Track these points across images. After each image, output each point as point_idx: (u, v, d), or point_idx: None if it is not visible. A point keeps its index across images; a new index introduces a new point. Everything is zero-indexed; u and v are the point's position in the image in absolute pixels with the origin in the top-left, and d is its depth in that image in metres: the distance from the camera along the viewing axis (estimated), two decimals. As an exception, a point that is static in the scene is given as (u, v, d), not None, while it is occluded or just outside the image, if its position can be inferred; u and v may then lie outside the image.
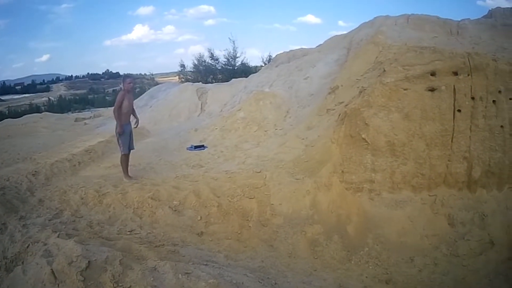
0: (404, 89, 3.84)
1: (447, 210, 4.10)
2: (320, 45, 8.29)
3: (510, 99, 4.37)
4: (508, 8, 7.22)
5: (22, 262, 3.29)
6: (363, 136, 3.80)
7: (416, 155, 3.88)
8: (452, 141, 4.02)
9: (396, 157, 3.84)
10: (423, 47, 4.07)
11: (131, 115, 4.76)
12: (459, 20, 5.92)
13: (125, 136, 4.51)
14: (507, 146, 4.32)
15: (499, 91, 4.29)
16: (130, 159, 4.58)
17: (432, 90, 3.95)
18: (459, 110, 4.06)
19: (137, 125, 4.85)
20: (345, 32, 8.43)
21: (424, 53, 3.97)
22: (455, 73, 4.09)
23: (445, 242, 4.14)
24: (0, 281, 3.08)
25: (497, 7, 7.38)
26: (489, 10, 7.50)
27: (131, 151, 4.63)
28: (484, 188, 4.31)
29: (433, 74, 3.97)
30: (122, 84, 4.70)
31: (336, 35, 8.55)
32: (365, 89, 3.95)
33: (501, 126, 4.28)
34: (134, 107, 4.86)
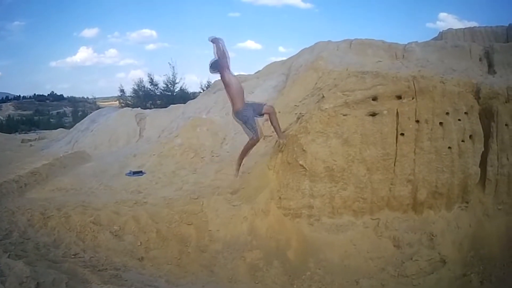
0: (344, 115, 3.92)
1: (392, 232, 4.16)
2: (259, 71, 8.32)
3: (459, 120, 4.37)
4: (460, 29, 7.28)
5: (-23, 281, 3.40)
6: (300, 162, 3.88)
7: (357, 180, 3.93)
8: (395, 164, 4.10)
9: (336, 182, 3.90)
10: (364, 72, 4.12)
11: None
12: (406, 43, 5.92)
13: (253, 118, 4.04)
14: (456, 166, 4.37)
15: (447, 113, 4.36)
16: (71, 183, 4.53)
17: (373, 115, 4.05)
18: (402, 134, 4.14)
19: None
20: (284, 58, 8.41)
21: (365, 78, 4.04)
22: (399, 97, 4.18)
23: (391, 263, 4.20)
24: None
25: (449, 29, 7.49)
26: (440, 32, 7.60)
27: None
28: (432, 209, 4.38)
29: (374, 99, 4.05)
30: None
31: (275, 61, 8.55)
32: (303, 116, 4.04)
33: (449, 147, 4.35)
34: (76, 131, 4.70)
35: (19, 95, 65.68)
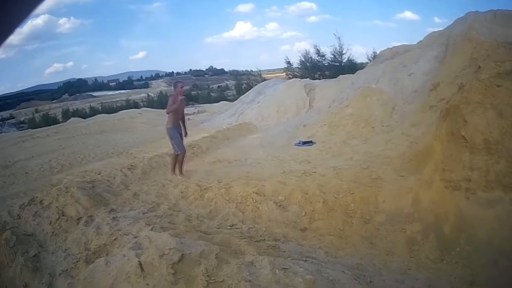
0: (497, 86, 3.74)
1: (537, 210, 4.02)
2: (421, 41, 8.27)
3: None
4: None
5: (106, 254, 3.14)
6: (462, 133, 3.64)
7: (508, 154, 3.80)
8: (542, 140, 3.94)
9: (491, 155, 3.73)
10: (510, 43, 4.02)
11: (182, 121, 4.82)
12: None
13: (178, 138, 4.48)
14: None
15: None
16: (235, 154, 4.48)
17: (522, 85, 3.86)
18: (548, 107, 3.97)
19: (185, 135, 4.92)
20: (441, 29, 8.44)
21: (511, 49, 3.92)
22: (542, 68, 3.99)
23: (533, 244, 4.05)
24: (76, 272, 2.92)
25: None
26: None
27: None
28: None
29: (521, 69, 3.88)
30: (173, 89, 4.72)
31: (433, 32, 8.50)
32: (463, 86, 3.88)
33: None
34: (226, 108, 4.82)
35: (172, 72, 62.40)
